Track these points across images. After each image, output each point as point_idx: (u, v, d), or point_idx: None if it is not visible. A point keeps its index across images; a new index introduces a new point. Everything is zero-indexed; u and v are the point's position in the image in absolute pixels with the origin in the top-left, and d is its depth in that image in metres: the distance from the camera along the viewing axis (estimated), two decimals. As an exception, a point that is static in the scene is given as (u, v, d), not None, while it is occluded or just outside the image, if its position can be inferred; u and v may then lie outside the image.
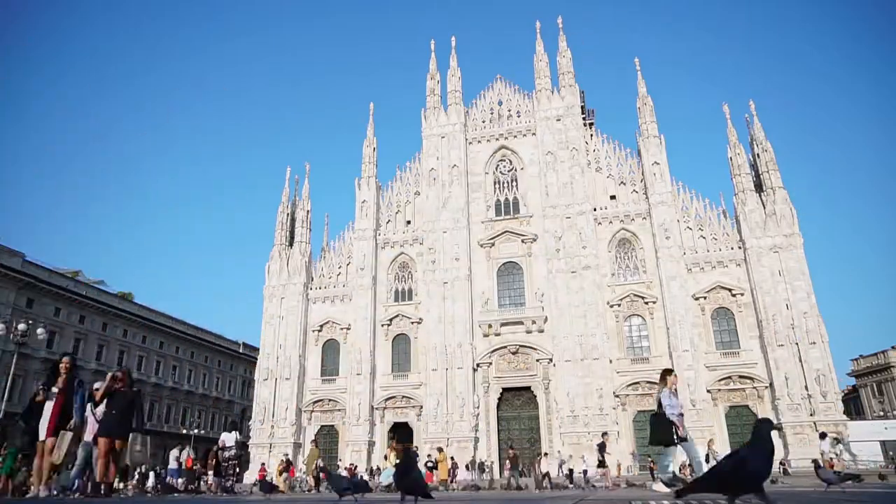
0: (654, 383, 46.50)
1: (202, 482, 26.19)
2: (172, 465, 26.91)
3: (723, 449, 43.85)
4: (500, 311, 51.26)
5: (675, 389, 11.01)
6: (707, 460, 23.51)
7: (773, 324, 44.65)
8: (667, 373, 11.18)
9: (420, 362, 51.67)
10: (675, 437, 9.92)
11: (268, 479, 27.96)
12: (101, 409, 10.31)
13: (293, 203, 60.78)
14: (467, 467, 41.92)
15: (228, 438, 21.16)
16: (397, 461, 27.62)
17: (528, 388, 49.46)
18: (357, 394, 51.28)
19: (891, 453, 46.15)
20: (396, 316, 54.00)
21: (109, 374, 10.65)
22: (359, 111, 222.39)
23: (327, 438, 52.87)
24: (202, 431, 68.52)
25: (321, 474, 24.43)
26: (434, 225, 54.55)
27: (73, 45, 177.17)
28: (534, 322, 49.73)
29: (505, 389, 49.88)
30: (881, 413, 64.09)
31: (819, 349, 43.81)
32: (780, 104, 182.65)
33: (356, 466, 43.73)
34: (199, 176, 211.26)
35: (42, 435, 10.06)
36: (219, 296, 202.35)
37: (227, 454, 20.86)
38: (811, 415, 42.62)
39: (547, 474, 29.77)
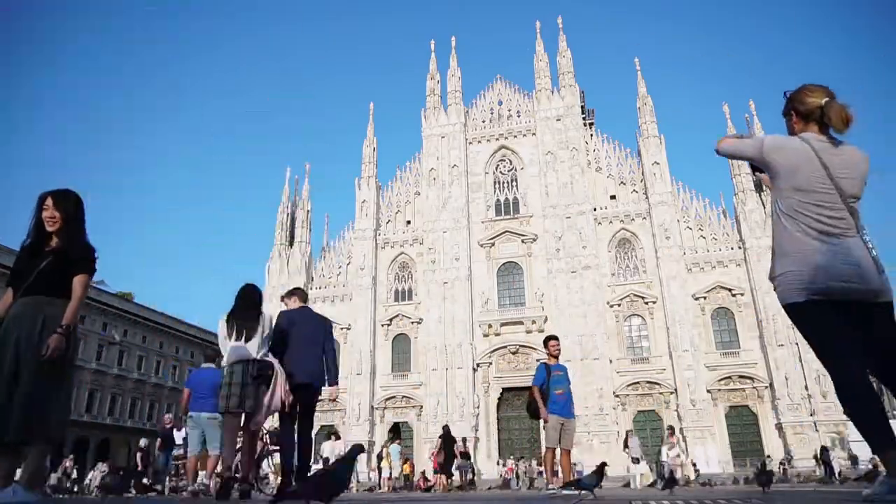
0: (655, 383, 46.72)
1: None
2: None
3: (723, 448, 43.98)
4: (500, 311, 51.28)
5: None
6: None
7: (773, 324, 44.64)
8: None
9: (420, 362, 51.68)
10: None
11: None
12: None
13: (293, 203, 60.75)
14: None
15: (178, 436, 18.18)
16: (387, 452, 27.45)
17: (528, 388, 49.26)
18: (357, 394, 51.28)
19: None
20: (396, 316, 54.00)
21: None
22: (359, 111, 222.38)
23: (327, 438, 52.82)
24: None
25: None
26: (434, 225, 54.56)
27: (74, 45, 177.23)
28: (534, 322, 49.73)
29: (505, 389, 49.88)
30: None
31: (819, 349, 43.80)
32: (780, 104, 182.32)
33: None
34: (200, 176, 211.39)
35: None
36: (219, 296, 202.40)
37: (175, 452, 18.23)
38: (811, 415, 42.65)
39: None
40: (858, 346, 3.47)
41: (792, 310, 3.60)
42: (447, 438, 22.67)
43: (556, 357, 10.34)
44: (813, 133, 3.66)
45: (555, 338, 10.70)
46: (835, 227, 3.50)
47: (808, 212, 3.55)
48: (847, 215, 3.50)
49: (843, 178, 3.52)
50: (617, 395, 46.55)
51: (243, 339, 7.05)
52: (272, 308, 56.56)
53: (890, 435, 3.32)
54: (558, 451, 10.06)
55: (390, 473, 27.66)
